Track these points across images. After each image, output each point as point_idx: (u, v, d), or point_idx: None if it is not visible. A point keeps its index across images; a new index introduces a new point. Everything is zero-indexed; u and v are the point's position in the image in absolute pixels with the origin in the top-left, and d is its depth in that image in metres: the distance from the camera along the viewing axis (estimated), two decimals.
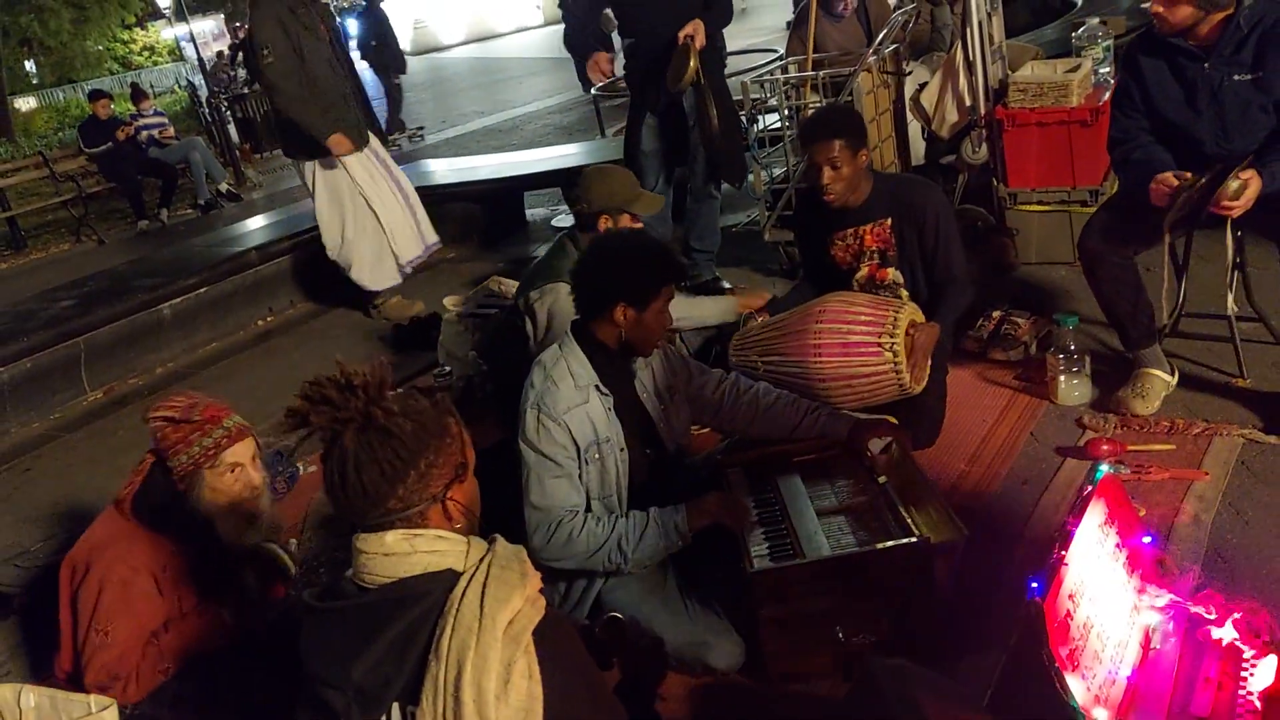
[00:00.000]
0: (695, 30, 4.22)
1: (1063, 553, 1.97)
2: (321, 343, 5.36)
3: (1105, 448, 2.85)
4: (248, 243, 6.09)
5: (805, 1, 5.66)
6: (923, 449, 3.04)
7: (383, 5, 13.04)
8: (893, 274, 3.42)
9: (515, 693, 1.42)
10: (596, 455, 2.44)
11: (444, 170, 7.21)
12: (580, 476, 2.42)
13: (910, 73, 5.02)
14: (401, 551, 1.51)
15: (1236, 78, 2.88)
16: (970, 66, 4.46)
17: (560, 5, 13.60)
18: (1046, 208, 4.35)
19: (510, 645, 1.43)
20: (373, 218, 5.23)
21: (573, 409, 2.42)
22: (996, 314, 3.72)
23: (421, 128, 13.24)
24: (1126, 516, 2.24)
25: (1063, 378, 3.23)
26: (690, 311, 3.64)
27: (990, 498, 2.84)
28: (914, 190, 3.37)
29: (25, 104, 26.60)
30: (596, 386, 2.47)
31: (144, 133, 10.05)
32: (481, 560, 1.52)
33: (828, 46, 5.75)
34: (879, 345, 2.91)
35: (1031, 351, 3.57)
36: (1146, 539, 2.23)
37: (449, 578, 1.50)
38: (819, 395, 2.89)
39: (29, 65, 30.19)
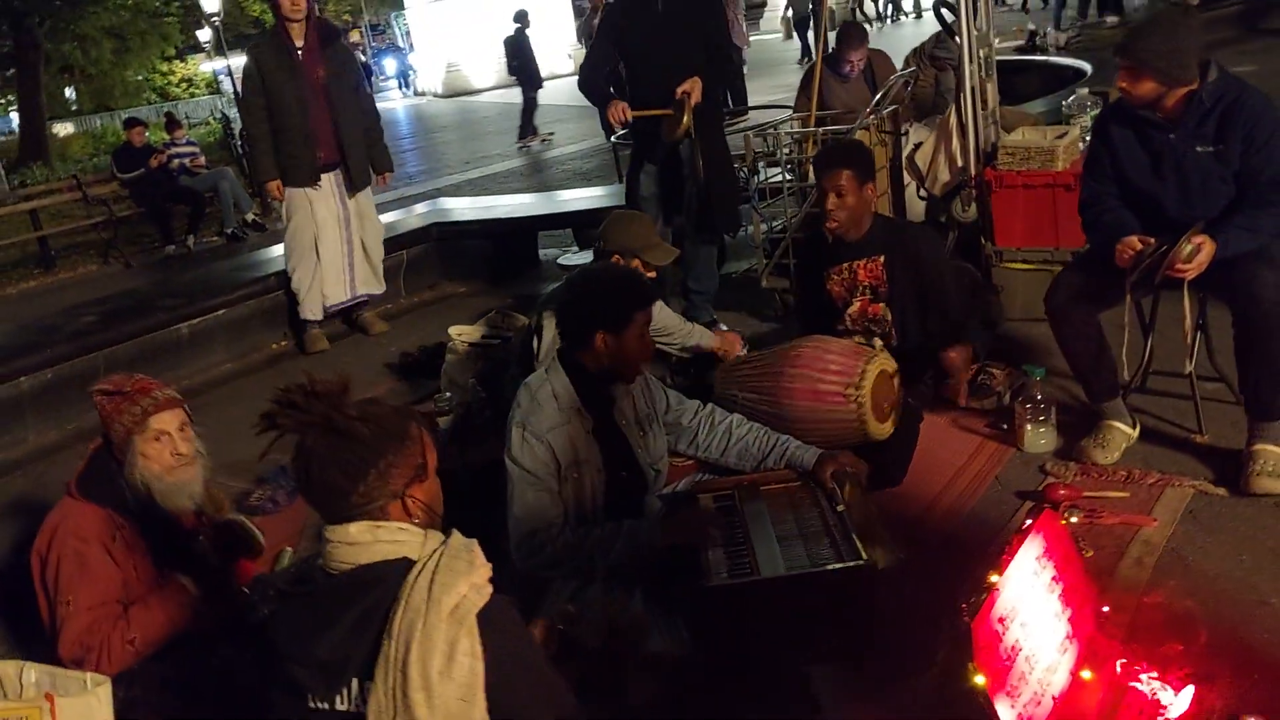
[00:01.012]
0: (692, 88, 4.42)
1: (994, 579, 2.12)
2: (331, 369, 5.52)
3: (1062, 492, 2.99)
4: (268, 269, 6.30)
5: (813, 61, 5.91)
6: (889, 487, 3.18)
7: (526, 31, 14.73)
8: (883, 310, 3.60)
9: (458, 670, 1.58)
10: (575, 475, 2.60)
11: (461, 208, 7.46)
12: (560, 493, 2.58)
13: (908, 132, 5.23)
14: (364, 541, 1.67)
15: (1199, 149, 3.03)
16: (963, 129, 4.66)
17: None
18: (1031, 266, 4.51)
19: (454, 626, 1.58)
20: (314, 255, 5.62)
21: (555, 429, 2.59)
22: (974, 365, 3.88)
23: (551, 133, 14.35)
24: (1066, 553, 2.38)
25: (1029, 426, 3.38)
26: (675, 324, 3.87)
27: (947, 533, 2.98)
28: (908, 231, 3.58)
29: (63, 129, 27.30)
30: (578, 409, 2.64)
31: (176, 160, 10.38)
32: (435, 551, 1.68)
33: (834, 104, 6.00)
34: (844, 396, 3.09)
35: (1004, 401, 3.71)
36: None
37: (405, 565, 1.66)
38: (791, 433, 3.05)
39: (69, 92, 31.03)
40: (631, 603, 2.39)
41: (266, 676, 1.78)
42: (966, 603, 2.04)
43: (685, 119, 4.38)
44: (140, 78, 31.10)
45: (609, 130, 10.36)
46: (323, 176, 5.53)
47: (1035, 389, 3.40)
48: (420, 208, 7.62)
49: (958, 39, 4.53)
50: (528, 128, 14.45)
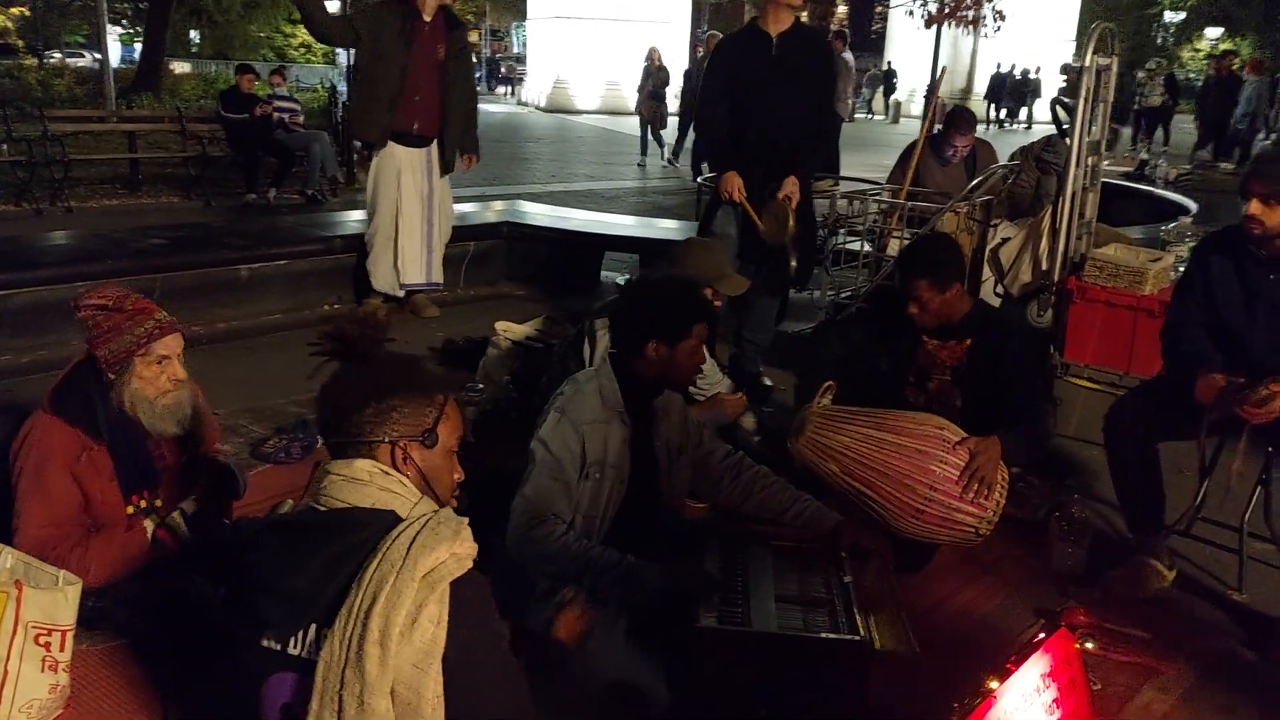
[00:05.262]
0: (793, 192, 4.37)
1: (993, 686, 1.99)
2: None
3: (1082, 618, 2.83)
4: (336, 231, 6.36)
5: (915, 139, 5.84)
6: (909, 573, 3.05)
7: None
8: (956, 394, 3.47)
9: (419, 633, 1.52)
10: (598, 475, 2.53)
11: (535, 213, 7.46)
12: (575, 489, 2.50)
13: (996, 226, 5.12)
14: (362, 479, 1.65)
15: None
16: (1055, 233, 4.55)
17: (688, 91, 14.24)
18: (1096, 386, 4.37)
19: (425, 590, 1.53)
20: (392, 227, 5.65)
21: (595, 423, 2.53)
22: (1015, 470, 3.73)
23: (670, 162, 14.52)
24: (1073, 679, 2.24)
25: (1061, 544, 3.23)
26: (709, 367, 3.74)
27: (957, 631, 2.85)
28: (1004, 322, 3.44)
29: (180, 68, 28.08)
30: (620, 413, 2.57)
31: (276, 114, 10.55)
32: (424, 515, 1.63)
33: (929, 185, 5.90)
34: (975, 532, 3.00)
35: (1040, 515, 3.56)
36: None
37: (391, 519, 1.62)
38: (887, 525, 2.96)
39: (194, 34, 32.01)
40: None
41: (230, 608, 1.74)
42: (959, 702, 1.92)
43: (791, 224, 4.31)
44: (262, 34, 31.96)
45: (698, 169, 10.42)
46: (416, 150, 5.59)
47: (1074, 507, 3.26)
48: (497, 205, 7.65)
49: (1068, 141, 4.43)
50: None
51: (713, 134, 4.70)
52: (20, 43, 31.62)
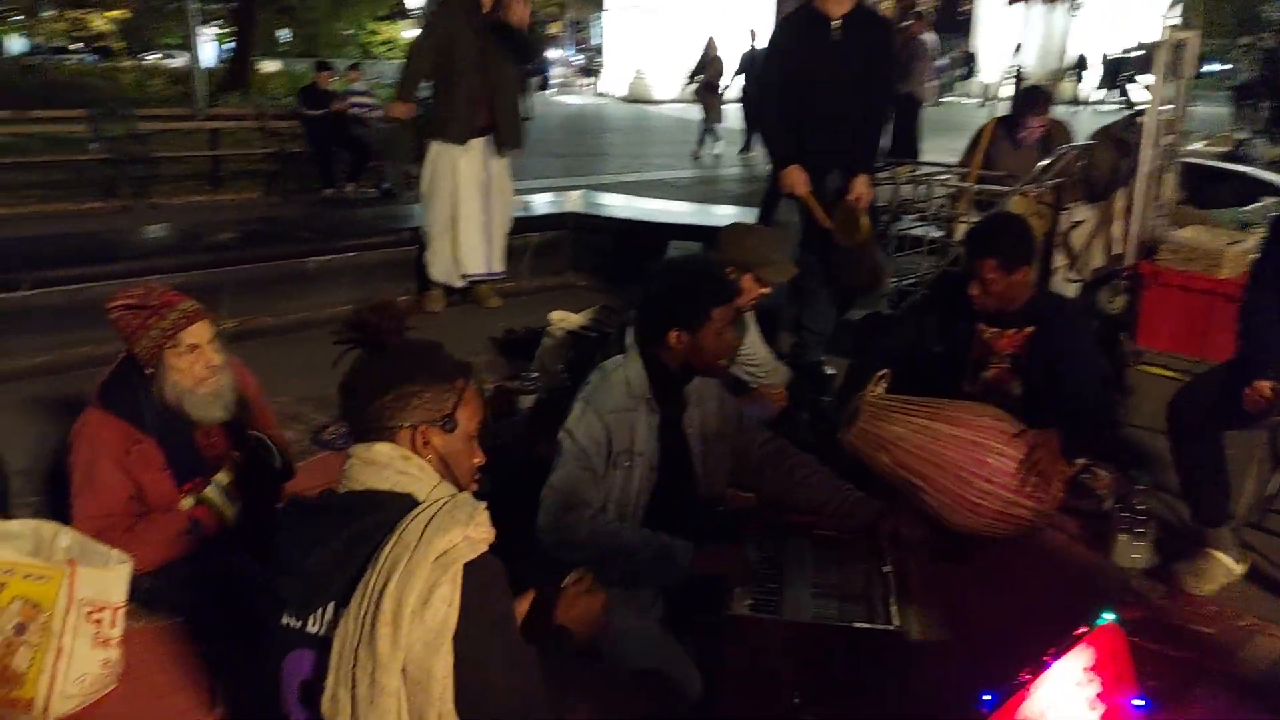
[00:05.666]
0: (865, 192, 4.28)
1: (1029, 678, 1.93)
2: (438, 332, 5.55)
3: (1139, 613, 2.74)
4: (404, 223, 6.46)
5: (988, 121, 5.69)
6: (956, 563, 2.97)
7: None
8: (1015, 383, 3.38)
9: (431, 614, 1.53)
10: (627, 464, 2.52)
11: (602, 203, 7.48)
12: (605, 478, 2.50)
13: (1071, 209, 4.95)
14: (381, 462, 1.68)
15: None
16: (1129, 214, 4.38)
17: (744, 74, 13.91)
18: (1170, 374, 4.19)
19: (438, 571, 1.55)
20: (449, 218, 5.71)
21: (619, 412, 2.51)
22: (1080, 461, 3.61)
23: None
24: (1120, 674, 2.16)
25: (1123, 536, 3.12)
26: (763, 356, 3.78)
27: (1005, 623, 2.73)
28: (1064, 309, 3.33)
29: (270, 67, 28.84)
30: (648, 401, 2.55)
31: (353, 110, 10.76)
32: (441, 499, 1.65)
33: (1001, 168, 5.73)
34: (1032, 526, 2.96)
35: (1104, 507, 3.44)
36: (1138, 701, 2.15)
37: (409, 503, 1.64)
38: (940, 519, 2.94)
39: (283, 34, 32.82)
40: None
41: (259, 585, 1.78)
42: (989, 693, 1.86)
43: (864, 223, 4.24)
44: (349, 32, 32.62)
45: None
46: (473, 140, 5.65)
47: (1138, 499, 3.14)
48: (564, 196, 7.69)
49: (1138, 119, 4.27)
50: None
51: (770, 124, 4.63)
52: (119, 45, 32.87)
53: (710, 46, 15.11)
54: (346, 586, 1.60)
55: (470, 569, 1.58)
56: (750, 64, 13.76)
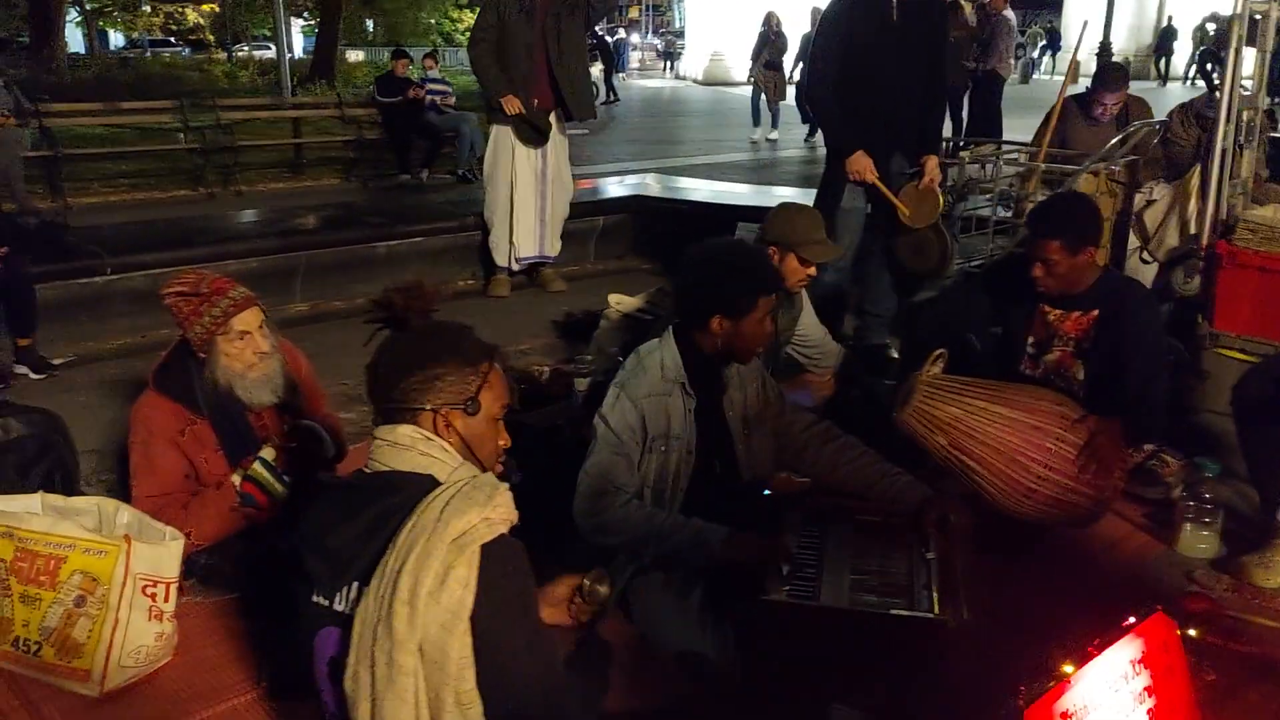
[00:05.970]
0: (934, 174, 4.20)
1: (1069, 670, 1.87)
2: (501, 315, 5.64)
3: (1201, 605, 2.64)
4: (474, 209, 6.52)
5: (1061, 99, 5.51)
6: (1010, 555, 2.90)
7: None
8: (1078, 367, 3.28)
9: (447, 596, 1.55)
10: (663, 448, 2.51)
11: (668, 186, 7.46)
12: (640, 464, 2.50)
13: (1144, 188, 4.78)
14: (404, 444, 1.70)
15: None
16: (1204, 193, 4.21)
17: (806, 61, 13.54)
18: (1247, 357, 4.02)
19: (455, 552, 1.56)
20: (508, 202, 5.76)
21: (652, 397, 2.51)
22: (1149, 447, 3.49)
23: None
24: (1172, 667, 2.08)
25: (1189, 525, 3.01)
26: (819, 337, 3.71)
27: (1062, 615, 2.66)
28: (1132, 292, 3.22)
29: (355, 56, 29.39)
30: (683, 384, 2.54)
31: (429, 96, 10.90)
32: (461, 481, 1.66)
33: (1076, 146, 5.55)
34: (1090, 514, 2.92)
35: (1173, 495, 3.32)
36: None
37: (430, 483, 1.66)
38: (995, 504, 2.89)
39: (370, 24, 33.43)
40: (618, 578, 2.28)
41: (294, 564, 1.82)
42: (1026, 685, 1.81)
43: (940, 206, 4.15)
44: (431, 20, 33.04)
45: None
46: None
47: (1206, 487, 3.02)
48: (631, 179, 7.68)
49: (1218, 95, 4.09)
50: None
51: (828, 111, 4.52)
52: (211, 38, 33.82)
53: (770, 20, 14.55)
54: (369, 566, 1.62)
55: (489, 550, 1.59)
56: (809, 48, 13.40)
